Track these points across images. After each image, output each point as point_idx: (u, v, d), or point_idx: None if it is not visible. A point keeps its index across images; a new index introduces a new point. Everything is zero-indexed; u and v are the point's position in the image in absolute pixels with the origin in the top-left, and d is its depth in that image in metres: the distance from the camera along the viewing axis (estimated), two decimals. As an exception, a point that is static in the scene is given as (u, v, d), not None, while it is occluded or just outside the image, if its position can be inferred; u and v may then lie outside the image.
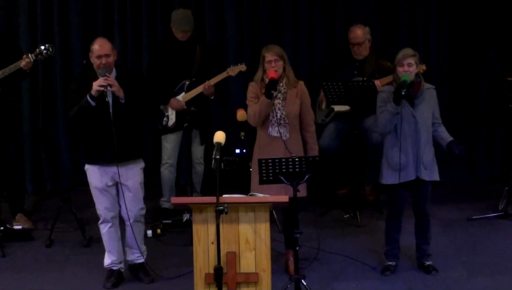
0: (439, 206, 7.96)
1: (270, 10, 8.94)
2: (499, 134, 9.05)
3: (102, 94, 6.11)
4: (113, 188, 6.33)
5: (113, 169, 6.25)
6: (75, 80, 6.43)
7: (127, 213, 6.35)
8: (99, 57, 6.17)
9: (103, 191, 6.30)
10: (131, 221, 6.38)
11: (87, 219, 7.58)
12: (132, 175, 6.32)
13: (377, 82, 7.54)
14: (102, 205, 6.34)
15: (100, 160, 6.25)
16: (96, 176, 6.28)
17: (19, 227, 7.46)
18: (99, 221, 6.41)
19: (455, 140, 6.38)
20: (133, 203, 6.36)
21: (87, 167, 6.34)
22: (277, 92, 6.30)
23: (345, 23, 8.82)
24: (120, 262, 6.46)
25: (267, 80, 6.30)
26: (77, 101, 6.15)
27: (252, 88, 6.45)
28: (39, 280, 6.59)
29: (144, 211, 6.47)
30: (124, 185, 6.31)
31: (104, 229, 6.39)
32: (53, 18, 8.91)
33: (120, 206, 6.38)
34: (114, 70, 6.27)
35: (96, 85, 6.06)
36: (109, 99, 6.17)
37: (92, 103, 6.08)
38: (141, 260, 6.53)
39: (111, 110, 6.18)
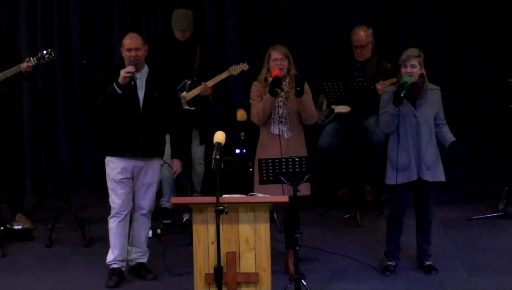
0: (439, 206, 7.95)
1: (270, 10, 8.94)
2: (499, 134, 9.05)
3: (130, 84, 6.22)
4: (130, 182, 6.38)
5: (134, 163, 6.33)
6: (104, 72, 6.52)
7: (139, 205, 6.43)
8: (129, 50, 6.29)
9: (120, 183, 6.33)
10: (140, 213, 6.45)
11: (87, 219, 7.59)
12: (152, 171, 6.41)
13: (378, 86, 7.53)
14: (118, 197, 6.35)
15: (124, 152, 6.31)
16: (116, 168, 6.33)
17: (19, 227, 7.46)
18: (110, 215, 6.40)
19: (457, 141, 6.37)
20: (146, 197, 6.43)
21: (108, 159, 6.39)
22: (280, 90, 6.32)
23: (345, 23, 8.83)
24: (122, 261, 6.46)
25: (270, 80, 6.32)
26: (104, 90, 6.25)
27: (256, 88, 6.48)
28: (39, 280, 6.58)
29: (153, 207, 6.54)
30: (142, 178, 6.38)
31: (113, 223, 6.39)
32: (53, 19, 8.91)
33: (133, 200, 6.43)
34: (146, 68, 6.40)
35: (123, 72, 6.18)
36: (140, 93, 6.30)
37: (118, 90, 6.18)
38: (143, 260, 6.56)
39: (141, 105, 6.30)
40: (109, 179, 6.39)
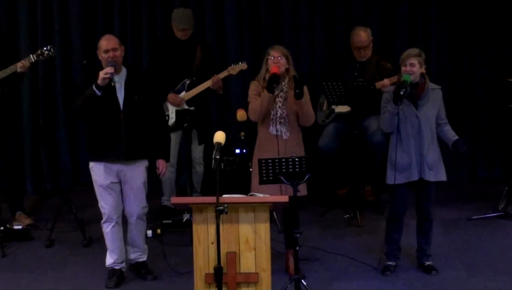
0: (439, 206, 7.93)
1: (270, 10, 8.94)
2: (499, 134, 9.05)
3: (110, 86, 6.15)
4: (118, 186, 6.34)
5: (118, 167, 6.28)
6: (82, 76, 6.47)
7: (130, 212, 6.39)
8: (106, 51, 6.22)
9: (108, 189, 6.30)
10: (134, 219, 6.41)
11: (87, 219, 7.58)
12: (137, 173, 6.35)
13: (386, 81, 7.51)
14: (106, 203, 6.33)
15: (106, 157, 6.26)
16: (101, 173, 6.29)
17: (19, 227, 7.46)
18: (102, 220, 6.39)
19: (461, 139, 6.38)
20: (137, 202, 6.38)
21: (92, 164, 6.35)
22: (279, 90, 6.32)
23: (345, 24, 8.84)
24: (122, 262, 6.46)
25: (268, 77, 6.32)
26: (83, 93, 6.17)
27: (254, 86, 6.48)
28: (39, 280, 6.58)
29: (146, 210, 6.50)
30: (129, 183, 6.33)
31: (107, 228, 6.38)
32: (53, 18, 8.91)
33: (123, 204, 6.40)
34: (124, 70, 6.32)
35: (102, 73, 6.10)
36: (120, 96, 6.23)
37: (98, 92, 6.09)
38: (143, 259, 6.56)
39: (121, 108, 6.24)
40: (96, 185, 6.34)
